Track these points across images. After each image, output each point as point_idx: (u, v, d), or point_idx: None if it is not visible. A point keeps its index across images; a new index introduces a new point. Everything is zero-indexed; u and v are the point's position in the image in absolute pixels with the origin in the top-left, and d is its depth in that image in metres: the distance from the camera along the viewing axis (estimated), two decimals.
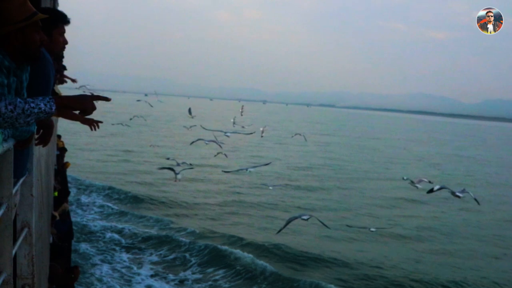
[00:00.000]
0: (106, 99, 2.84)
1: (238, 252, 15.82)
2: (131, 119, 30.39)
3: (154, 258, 15.26)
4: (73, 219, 17.02)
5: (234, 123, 20.11)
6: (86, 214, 19.29)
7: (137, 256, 15.14)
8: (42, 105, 2.32)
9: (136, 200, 22.53)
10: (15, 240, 2.90)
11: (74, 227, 16.46)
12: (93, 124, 4.63)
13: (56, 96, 2.49)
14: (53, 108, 2.37)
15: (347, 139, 69.26)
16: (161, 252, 15.77)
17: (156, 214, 20.35)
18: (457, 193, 9.27)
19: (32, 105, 2.28)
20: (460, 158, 53.65)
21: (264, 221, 20.20)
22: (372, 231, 12.83)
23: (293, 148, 49.36)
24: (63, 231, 9.00)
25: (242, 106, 24.05)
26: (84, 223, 17.76)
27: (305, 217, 10.20)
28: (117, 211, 20.34)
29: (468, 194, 9.37)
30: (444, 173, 38.51)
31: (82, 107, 2.58)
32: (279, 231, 10.84)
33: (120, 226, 17.86)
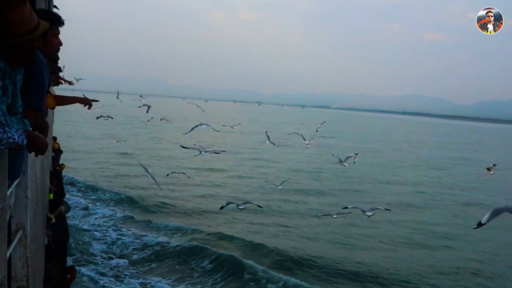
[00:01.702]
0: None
1: (260, 268, 14.79)
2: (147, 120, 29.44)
3: (165, 286, 13.98)
4: (75, 236, 16.18)
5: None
6: (90, 228, 18.02)
7: (146, 281, 14.02)
8: (16, 137, 2.37)
9: (139, 206, 21.92)
10: (9, 242, 2.89)
11: (77, 243, 15.84)
12: (90, 103, 5.07)
13: (27, 130, 2.62)
14: (24, 141, 2.44)
15: (349, 141, 67.66)
16: (169, 280, 14.42)
17: (163, 222, 19.60)
18: (367, 212, 9.39)
19: (9, 135, 2.33)
20: (465, 161, 52.57)
21: (281, 229, 19.67)
22: (335, 217, 12.61)
23: (295, 151, 48.28)
24: (59, 233, 8.98)
25: (324, 122, 21.72)
26: (88, 239, 16.61)
27: (241, 207, 11.81)
28: (122, 221, 19.53)
29: (378, 210, 9.49)
30: (456, 178, 37.82)
31: (42, 146, 2.70)
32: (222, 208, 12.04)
33: (126, 243, 16.70)
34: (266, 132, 14.85)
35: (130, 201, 22.66)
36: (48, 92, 4.21)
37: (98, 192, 24.14)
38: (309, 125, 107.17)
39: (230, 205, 12.05)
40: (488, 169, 20.16)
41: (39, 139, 2.67)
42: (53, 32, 3.65)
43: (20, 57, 2.67)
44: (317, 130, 21.91)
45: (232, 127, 19.63)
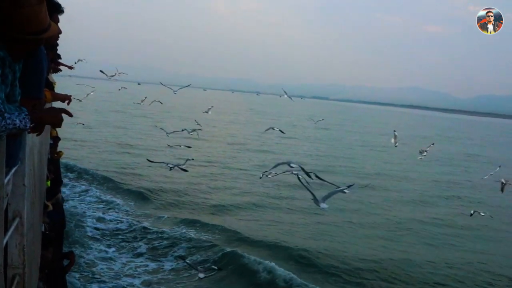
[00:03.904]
0: (69, 114, 2.99)
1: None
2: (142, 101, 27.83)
3: None
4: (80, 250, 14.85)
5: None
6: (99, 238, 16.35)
7: None
8: (17, 122, 2.36)
9: (150, 203, 21.04)
10: (6, 230, 2.89)
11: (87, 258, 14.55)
12: (69, 99, 5.56)
13: (32, 111, 2.58)
14: (28, 125, 2.44)
15: (355, 135, 65.90)
16: None
17: (177, 220, 18.57)
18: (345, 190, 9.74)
19: (9, 121, 2.32)
20: (475, 157, 51.31)
21: (302, 227, 19.12)
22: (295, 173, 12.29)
23: (302, 144, 46.89)
24: (56, 221, 8.99)
25: (432, 144, 20.78)
26: (92, 257, 14.63)
27: (170, 165, 12.84)
28: (135, 223, 18.07)
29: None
30: (471, 175, 36.74)
31: (55, 120, 2.75)
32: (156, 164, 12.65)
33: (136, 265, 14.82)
34: (394, 131, 14.20)
35: (142, 198, 21.84)
36: (47, 80, 4.20)
37: (104, 184, 23.56)
38: (311, 116, 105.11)
39: (162, 164, 13.60)
40: (421, 152, 20.13)
41: (47, 117, 2.68)
42: (53, 20, 3.64)
43: (23, 52, 2.68)
44: (422, 152, 20.40)
45: (207, 111, 19.61)
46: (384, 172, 34.04)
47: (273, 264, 14.42)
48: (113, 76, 17.63)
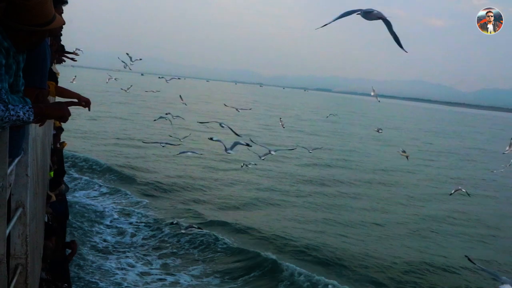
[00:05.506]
0: (81, 104, 2.98)
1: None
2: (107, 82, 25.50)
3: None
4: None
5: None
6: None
7: None
8: (21, 114, 2.34)
9: (166, 203, 20.05)
10: (9, 220, 2.89)
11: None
12: (89, 103, 4.85)
13: (35, 104, 2.55)
14: (31, 118, 2.41)
15: (363, 129, 63.01)
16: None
17: (197, 222, 17.31)
18: (271, 151, 11.68)
19: (12, 112, 2.30)
20: (491, 153, 48.70)
21: (313, 224, 18.42)
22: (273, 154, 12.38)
23: (312, 139, 45.73)
24: (59, 211, 9.01)
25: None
26: (109, 266, 13.52)
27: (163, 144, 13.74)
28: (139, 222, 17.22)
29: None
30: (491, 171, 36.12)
31: (60, 114, 2.68)
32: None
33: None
34: None
35: (159, 198, 20.86)
36: (51, 70, 4.20)
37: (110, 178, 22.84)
38: (316, 109, 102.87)
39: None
40: (377, 130, 19.93)
41: (51, 111, 2.66)
42: (57, 11, 3.64)
43: (27, 43, 2.68)
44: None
45: (185, 103, 19.85)
46: (401, 168, 32.83)
47: (311, 273, 13.66)
48: (133, 63, 17.38)
